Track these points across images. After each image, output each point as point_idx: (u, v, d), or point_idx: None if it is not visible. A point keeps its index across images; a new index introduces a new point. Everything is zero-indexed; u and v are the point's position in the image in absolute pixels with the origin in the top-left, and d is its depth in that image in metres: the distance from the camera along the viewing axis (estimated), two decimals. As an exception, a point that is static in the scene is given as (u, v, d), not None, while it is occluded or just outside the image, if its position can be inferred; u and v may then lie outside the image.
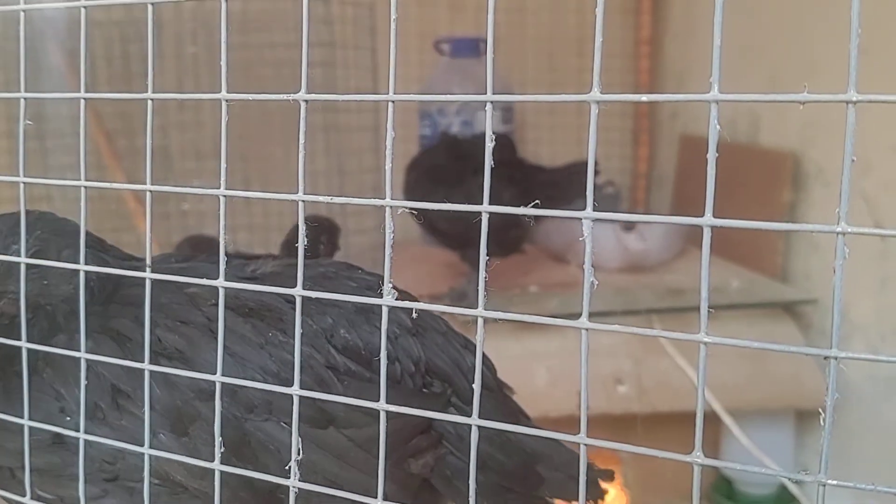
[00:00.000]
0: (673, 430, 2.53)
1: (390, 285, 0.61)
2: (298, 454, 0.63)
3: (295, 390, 0.63)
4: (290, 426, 0.91)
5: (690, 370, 2.45)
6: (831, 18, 2.55)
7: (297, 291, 0.64)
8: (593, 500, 1.19)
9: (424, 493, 1.06)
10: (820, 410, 0.52)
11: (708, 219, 0.53)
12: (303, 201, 0.64)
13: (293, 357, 0.92)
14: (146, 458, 0.72)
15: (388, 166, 0.60)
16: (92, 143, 2.46)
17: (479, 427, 1.06)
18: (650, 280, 2.80)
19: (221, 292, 0.66)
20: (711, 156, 0.54)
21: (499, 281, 2.56)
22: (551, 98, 0.58)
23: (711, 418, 2.55)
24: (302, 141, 0.62)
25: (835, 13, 2.51)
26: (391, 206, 0.61)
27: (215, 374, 0.86)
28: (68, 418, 0.91)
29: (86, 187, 0.72)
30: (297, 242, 1.37)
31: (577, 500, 1.20)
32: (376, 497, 0.62)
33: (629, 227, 2.82)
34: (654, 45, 3.44)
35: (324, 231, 1.66)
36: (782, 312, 2.69)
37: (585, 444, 0.57)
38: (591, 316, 2.37)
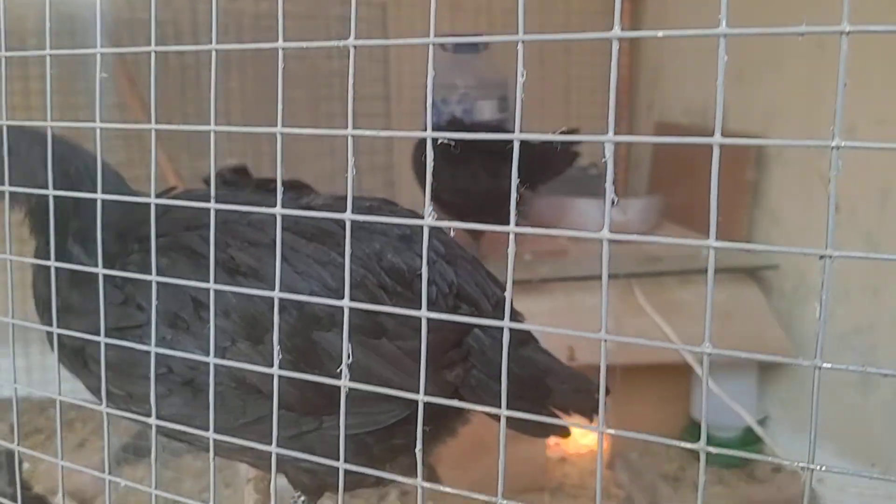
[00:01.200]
0: (650, 378, 2.55)
1: (430, 208, 0.62)
2: (349, 359, 0.64)
3: (345, 303, 0.64)
4: (351, 336, 0.93)
5: (665, 326, 2.47)
6: (794, 12, 2.54)
7: (347, 216, 0.64)
8: (593, 411, 1.21)
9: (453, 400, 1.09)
10: (817, 304, 0.52)
11: (718, 138, 0.53)
12: (352, 136, 0.64)
13: (351, 277, 0.94)
14: (212, 367, 0.72)
15: (428, 102, 0.61)
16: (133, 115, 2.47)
17: (497, 347, 1.07)
18: (630, 249, 2.81)
19: (279, 219, 0.67)
20: (720, 92, 0.54)
21: (498, 250, 2.57)
22: (577, 36, 0.58)
23: (684, 370, 2.57)
24: (351, 83, 0.63)
25: (796, 7, 2.51)
26: (431, 137, 0.61)
27: (287, 285, 0.87)
28: (146, 326, 0.92)
29: (156, 129, 0.72)
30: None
31: (578, 411, 1.21)
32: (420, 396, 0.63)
33: (612, 201, 2.83)
34: (632, 42, 3.44)
35: None
36: (746, 277, 2.70)
37: (605, 340, 0.57)
38: (578, 280, 2.38)
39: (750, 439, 2.67)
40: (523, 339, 1.19)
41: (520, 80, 0.58)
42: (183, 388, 0.94)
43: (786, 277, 2.66)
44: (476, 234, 2.61)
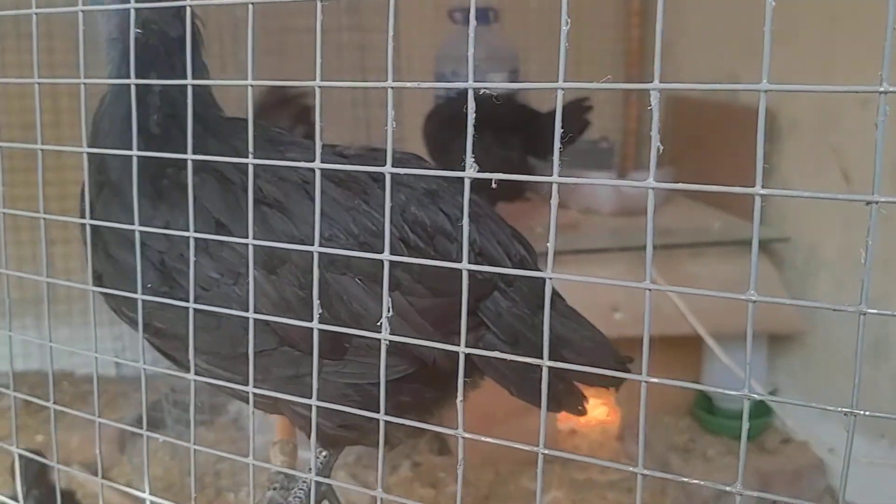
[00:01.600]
0: (660, 350, 2.55)
1: (472, 159, 0.62)
2: (389, 312, 0.64)
3: (386, 256, 0.64)
4: (363, 283, 0.93)
5: (677, 299, 2.47)
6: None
7: (387, 169, 0.65)
8: (614, 386, 1.18)
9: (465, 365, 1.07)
10: (861, 251, 0.53)
11: (764, 85, 0.54)
12: (391, 88, 0.64)
13: (373, 225, 0.94)
14: (250, 321, 0.73)
15: (470, 53, 0.61)
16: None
17: (515, 311, 1.06)
18: (641, 222, 2.80)
19: (318, 174, 0.67)
20: (768, 38, 0.54)
21: (515, 222, 2.59)
22: None
23: (695, 342, 2.58)
24: (391, 34, 0.63)
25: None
26: (472, 88, 0.62)
27: (309, 223, 0.89)
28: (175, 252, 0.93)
29: (192, 84, 0.72)
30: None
31: (595, 384, 1.18)
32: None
33: (623, 174, 2.84)
34: (643, 17, 3.43)
35: None
36: (758, 252, 2.71)
37: (650, 290, 0.58)
38: (590, 253, 2.37)
39: (761, 411, 2.68)
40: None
41: (563, 28, 0.58)
42: (180, 308, 0.94)
43: (797, 250, 2.66)
44: (492, 204, 2.62)
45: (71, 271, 2.95)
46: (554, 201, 0.59)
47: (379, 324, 0.66)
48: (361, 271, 0.95)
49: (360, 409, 0.74)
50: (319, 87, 0.67)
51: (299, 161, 0.94)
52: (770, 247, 2.72)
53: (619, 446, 2.80)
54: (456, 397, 1.16)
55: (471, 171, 0.61)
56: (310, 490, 1.10)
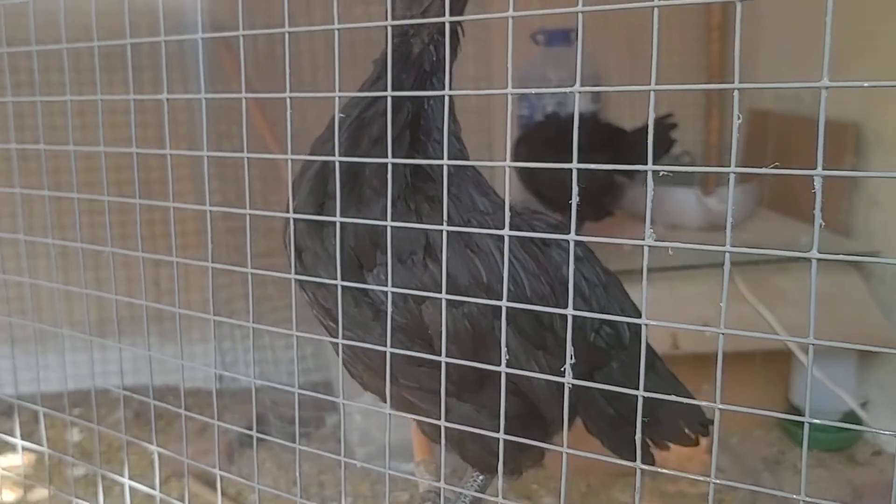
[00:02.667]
0: (753, 366, 2.63)
1: (651, 230, 0.73)
2: (573, 359, 0.78)
3: (569, 311, 0.77)
4: (519, 336, 1.07)
5: (767, 314, 2.55)
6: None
7: (571, 237, 0.77)
8: (694, 444, 1.29)
9: (572, 416, 1.18)
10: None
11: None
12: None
13: (541, 288, 1.09)
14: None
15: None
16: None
17: (623, 370, 1.17)
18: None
19: (507, 240, 0.79)
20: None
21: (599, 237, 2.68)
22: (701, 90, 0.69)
23: (784, 355, 2.65)
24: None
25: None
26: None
27: (496, 273, 1.03)
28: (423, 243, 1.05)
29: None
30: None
31: (679, 443, 1.27)
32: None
33: (710, 190, 2.91)
34: (722, 31, 3.49)
35: None
36: (846, 264, 2.76)
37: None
38: (677, 270, 2.51)
39: (852, 422, 2.73)
40: (648, 365, 1.26)
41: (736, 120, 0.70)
42: (366, 307, 1.06)
43: (885, 265, 2.71)
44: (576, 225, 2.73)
45: (173, 290, 3.14)
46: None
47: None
48: (519, 328, 1.08)
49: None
50: (508, 167, 0.80)
51: (493, 219, 1.09)
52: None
53: (709, 459, 2.86)
54: (557, 429, 1.27)
55: (649, 241, 0.72)
56: None
